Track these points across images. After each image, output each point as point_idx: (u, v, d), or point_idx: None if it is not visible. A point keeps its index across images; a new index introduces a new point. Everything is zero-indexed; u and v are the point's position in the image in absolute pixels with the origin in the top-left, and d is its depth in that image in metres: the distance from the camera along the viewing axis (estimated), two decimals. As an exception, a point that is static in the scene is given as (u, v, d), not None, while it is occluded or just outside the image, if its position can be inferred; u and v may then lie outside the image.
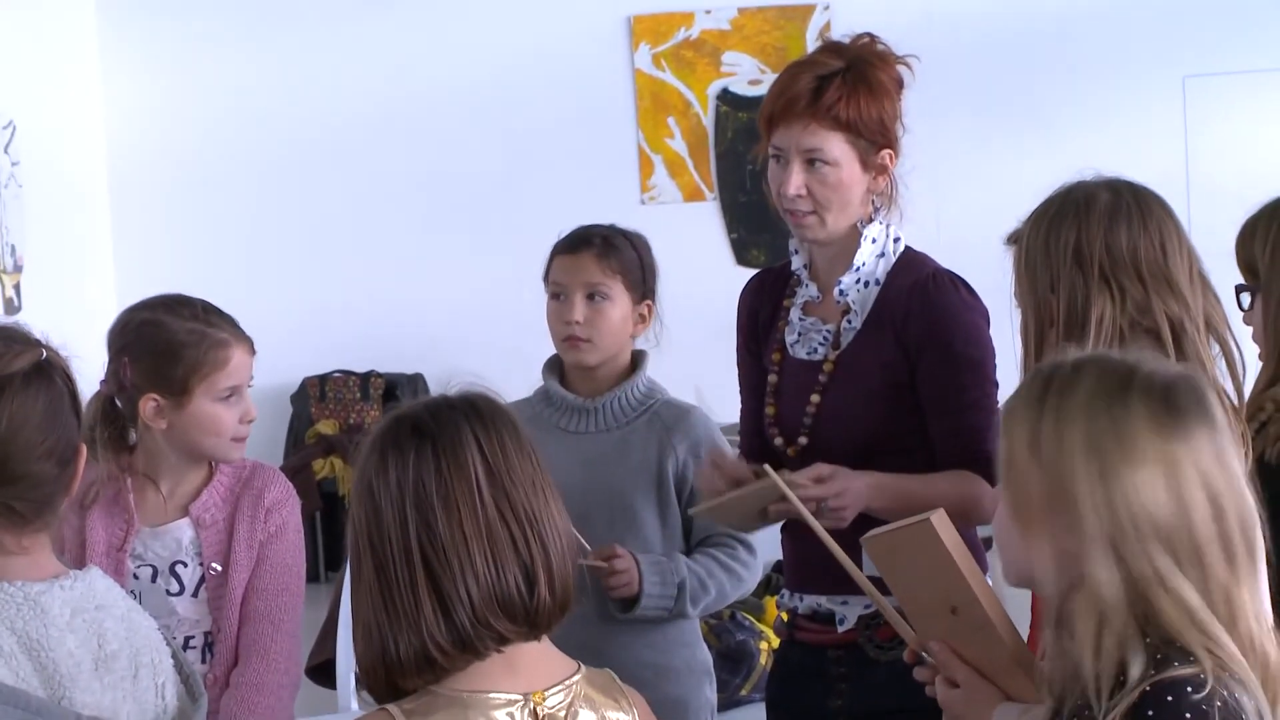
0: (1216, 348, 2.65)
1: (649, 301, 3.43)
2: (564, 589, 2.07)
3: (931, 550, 2.31)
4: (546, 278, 3.44)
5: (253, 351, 3.16)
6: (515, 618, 2.04)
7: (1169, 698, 1.85)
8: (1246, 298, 2.90)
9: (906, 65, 3.07)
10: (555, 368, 3.47)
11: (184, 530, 3.14)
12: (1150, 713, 1.85)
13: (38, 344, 2.18)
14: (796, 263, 3.14)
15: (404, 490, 2.03)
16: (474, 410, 2.09)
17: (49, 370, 2.17)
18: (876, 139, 2.99)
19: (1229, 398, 2.57)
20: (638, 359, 3.45)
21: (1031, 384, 2.06)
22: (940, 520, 2.32)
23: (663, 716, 2.23)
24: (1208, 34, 7.94)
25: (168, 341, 3.09)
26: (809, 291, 3.11)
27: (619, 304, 3.38)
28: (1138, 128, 7.76)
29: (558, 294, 3.39)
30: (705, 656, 3.49)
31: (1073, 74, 8.03)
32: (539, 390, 3.47)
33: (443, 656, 2.01)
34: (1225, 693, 1.86)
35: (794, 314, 3.11)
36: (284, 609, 3.10)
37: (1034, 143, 7.68)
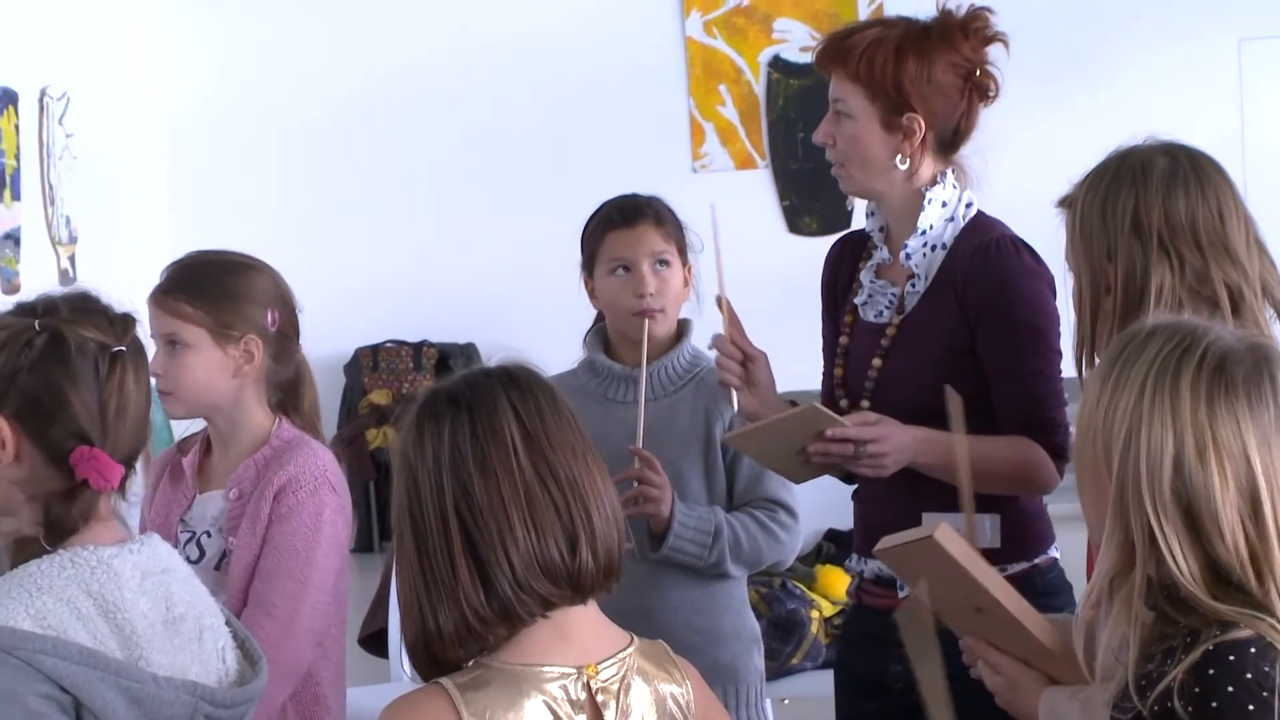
0: (1271, 312, 2.63)
1: (690, 265, 3.45)
2: (608, 555, 2.07)
3: (941, 561, 2.33)
4: (595, 255, 3.43)
5: (170, 311, 3.06)
6: (558, 581, 2.03)
7: (1230, 657, 1.88)
8: None
9: (1001, 41, 3.03)
10: (599, 338, 3.47)
11: (216, 500, 3.09)
12: (1211, 671, 1.88)
13: (130, 317, 2.24)
14: (870, 224, 3.13)
15: (440, 459, 2.04)
16: (509, 378, 2.10)
17: (139, 341, 2.24)
18: (893, 99, 2.97)
19: None
20: (683, 327, 3.46)
21: (1110, 349, 2.08)
22: (944, 534, 2.34)
23: (712, 683, 2.24)
24: (1264, -4, 7.86)
25: None
26: (882, 254, 3.10)
27: (677, 270, 3.40)
28: (1192, 91, 7.68)
29: (618, 268, 3.38)
30: (753, 624, 3.50)
31: (1125, 37, 7.96)
32: (583, 361, 3.48)
33: (483, 626, 2.01)
34: None
35: (864, 276, 3.12)
36: (279, 595, 2.96)
37: (1085, 107, 7.62)
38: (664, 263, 3.38)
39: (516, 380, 2.10)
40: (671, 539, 3.27)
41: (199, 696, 2.13)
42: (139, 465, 2.27)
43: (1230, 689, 1.86)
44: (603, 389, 3.41)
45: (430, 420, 2.07)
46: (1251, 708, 1.86)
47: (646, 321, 3.34)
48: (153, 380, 2.48)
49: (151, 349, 2.35)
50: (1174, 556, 1.92)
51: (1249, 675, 1.87)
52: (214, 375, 3.06)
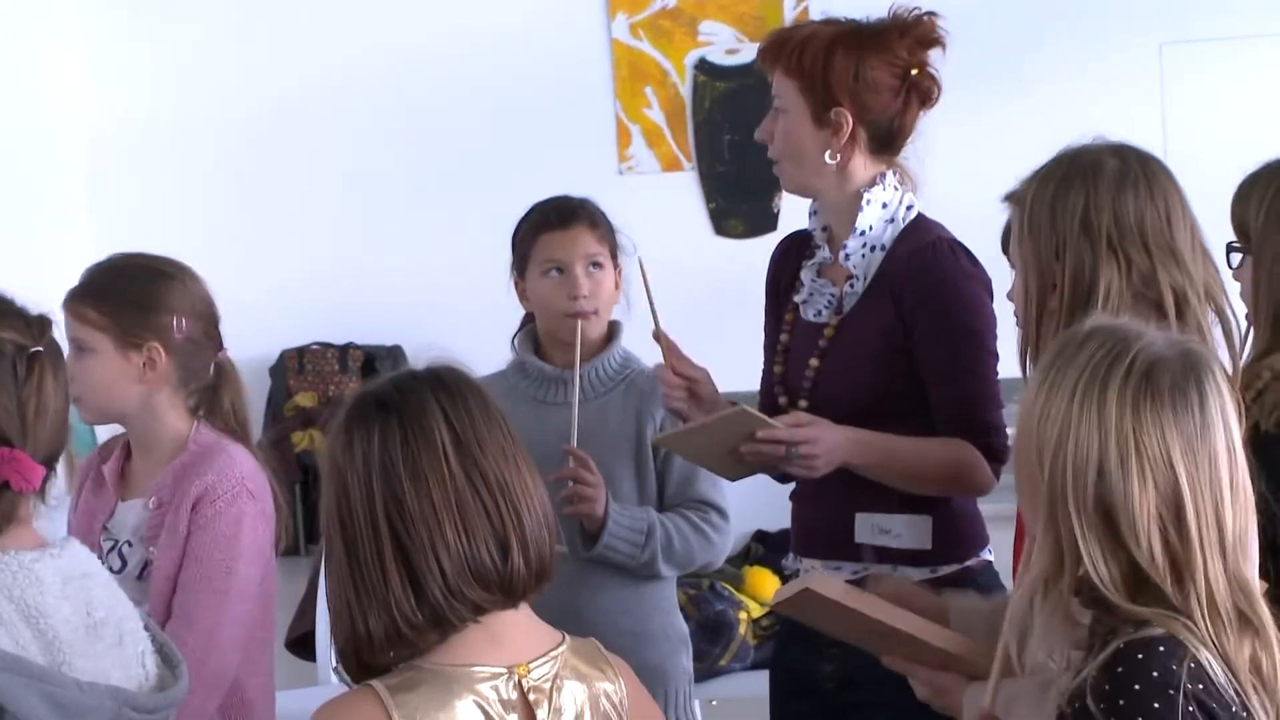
0: (1213, 316, 2.64)
1: (620, 267, 3.45)
2: (540, 557, 2.06)
3: (826, 605, 2.37)
4: (528, 256, 3.43)
5: (74, 315, 3.05)
6: (489, 586, 2.03)
7: (1139, 655, 1.91)
8: (1236, 257, 2.90)
9: (939, 45, 3.04)
10: (529, 340, 3.47)
11: (136, 509, 3.07)
12: (1120, 669, 1.90)
13: (46, 319, 2.22)
14: (812, 224, 3.15)
15: (370, 464, 2.02)
16: (439, 382, 2.08)
17: (56, 342, 2.22)
18: (821, 93, 2.99)
19: (1222, 367, 2.57)
20: (613, 329, 3.46)
21: (1048, 352, 2.10)
22: (817, 581, 2.42)
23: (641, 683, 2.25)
24: (1185, 0, 7.93)
25: None
26: (823, 253, 3.12)
27: (609, 272, 3.40)
28: (1113, 95, 7.74)
29: (551, 269, 3.38)
30: (682, 625, 3.51)
31: (1046, 40, 8.02)
32: (513, 363, 3.48)
33: (413, 632, 2.00)
34: (1202, 654, 1.91)
35: (806, 275, 3.13)
36: (200, 606, 2.93)
37: (1007, 110, 7.67)
38: (597, 265, 3.39)
39: (445, 383, 2.09)
40: (605, 538, 3.27)
41: (121, 702, 2.12)
42: (59, 467, 2.25)
43: (1137, 686, 1.89)
44: (534, 391, 3.41)
45: (359, 424, 2.06)
46: (1157, 705, 1.88)
47: (580, 323, 3.34)
48: None
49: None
50: (1093, 561, 1.95)
51: (1155, 674, 1.90)
52: (116, 382, 3.05)
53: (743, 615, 4.96)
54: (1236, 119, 7.63)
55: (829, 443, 2.89)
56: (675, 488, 3.39)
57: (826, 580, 2.42)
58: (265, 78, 8.33)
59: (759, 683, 3.36)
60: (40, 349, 2.15)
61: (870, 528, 2.99)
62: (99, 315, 3.03)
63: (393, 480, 2.01)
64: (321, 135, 8.34)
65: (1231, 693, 1.92)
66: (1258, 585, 1.99)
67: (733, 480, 3.20)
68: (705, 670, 4.74)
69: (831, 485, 2.94)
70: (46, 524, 2.23)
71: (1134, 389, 1.96)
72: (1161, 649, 1.91)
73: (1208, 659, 1.91)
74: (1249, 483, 2.01)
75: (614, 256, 3.43)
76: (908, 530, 2.97)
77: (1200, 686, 1.89)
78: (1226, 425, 1.99)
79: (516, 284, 3.47)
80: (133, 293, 3.07)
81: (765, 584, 5.14)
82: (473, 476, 2.03)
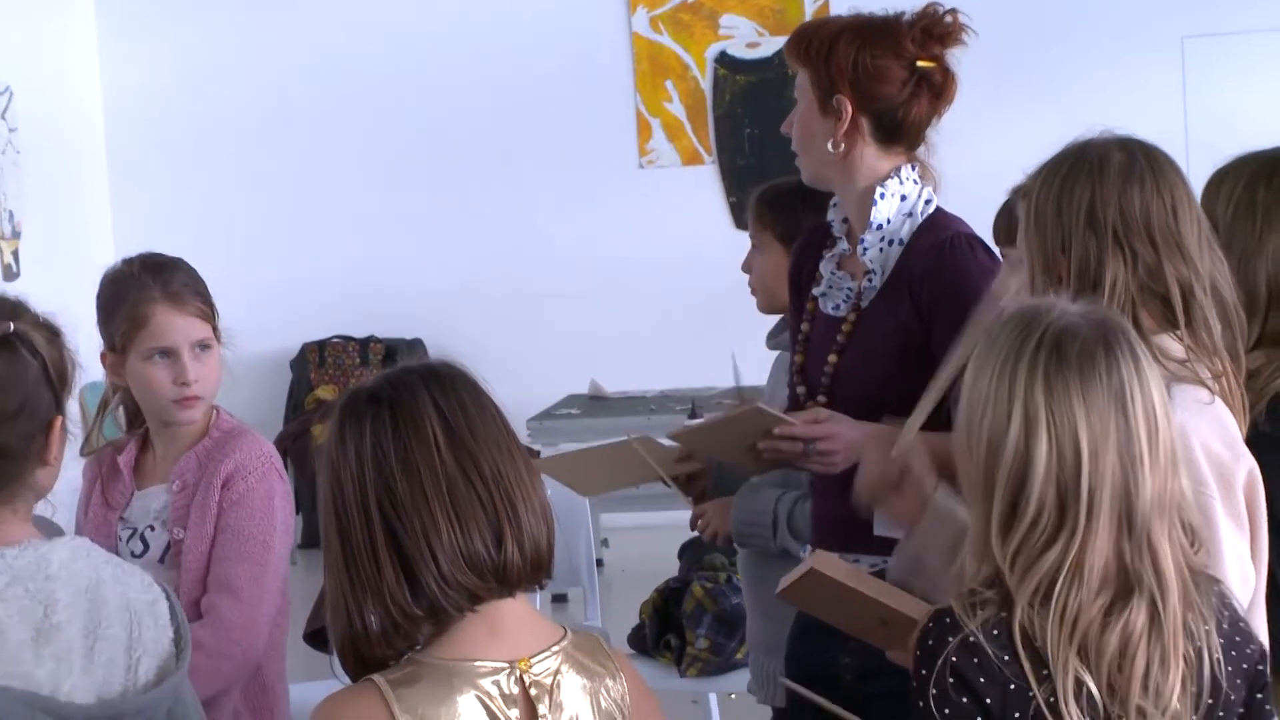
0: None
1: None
2: (535, 548, 2.07)
3: (831, 587, 2.38)
4: None
5: (200, 314, 3.09)
6: (483, 574, 2.03)
7: (930, 624, 2.11)
8: None
9: (953, 40, 3.03)
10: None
11: (159, 495, 3.11)
12: (918, 633, 2.13)
13: (5, 318, 2.18)
14: (832, 215, 3.15)
15: (362, 456, 2.04)
16: (431, 374, 2.10)
17: (15, 343, 2.16)
18: (825, 81, 2.99)
19: (1223, 359, 2.57)
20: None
21: (982, 336, 2.22)
22: (823, 560, 2.40)
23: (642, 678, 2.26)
24: (1207, -6, 7.92)
25: (108, 297, 3.12)
26: (842, 246, 3.12)
27: (765, 254, 3.64)
28: (1136, 88, 7.73)
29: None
30: None
31: (1070, 34, 8.01)
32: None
33: (409, 623, 2.01)
34: (989, 631, 2.05)
35: (825, 267, 3.13)
36: (243, 577, 3.00)
37: (1031, 103, 7.66)
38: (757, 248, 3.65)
39: (439, 376, 2.10)
40: (736, 536, 3.57)
41: (40, 709, 2.07)
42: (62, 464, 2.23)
43: (919, 652, 2.10)
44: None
45: (352, 418, 2.07)
46: (924, 672, 2.08)
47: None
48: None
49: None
50: (990, 534, 2.08)
51: (931, 642, 2.08)
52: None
53: (761, 608, 4.95)
54: (1259, 111, 7.61)
55: (847, 439, 2.89)
56: None
57: (831, 561, 2.43)
58: (286, 73, 8.35)
59: (776, 676, 3.37)
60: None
61: (889, 520, 2.99)
62: (211, 313, 3.14)
63: (385, 471, 2.03)
64: (343, 131, 8.36)
65: (1012, 667, 2.03)
66: (1175, 550, 2.08)
67: (756, 474, 3.20)
68: (722, 664, 4.75)
69: (849, 479, 2.93)
70: (23, 525, 2.19)
71: (1044, 359, 2.08)
72: (948, 621, 2.08)
73: (980, 640, 2.05)
74: (1177, 445, 2.12)
75: (771, 240, 3.62)
76: None
77: (975, 660, 2.05)
78: (1144, 390, 2.09)
79: None
80: (205, 288, 3.16)
81: (784, 578, 5.14)
82: (465, 466, 2.04)
